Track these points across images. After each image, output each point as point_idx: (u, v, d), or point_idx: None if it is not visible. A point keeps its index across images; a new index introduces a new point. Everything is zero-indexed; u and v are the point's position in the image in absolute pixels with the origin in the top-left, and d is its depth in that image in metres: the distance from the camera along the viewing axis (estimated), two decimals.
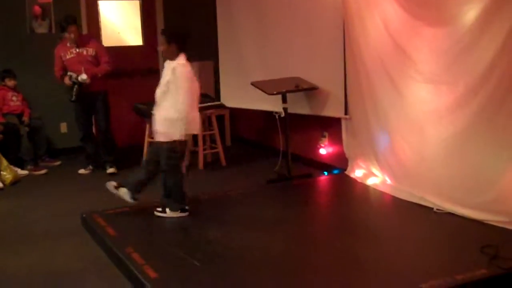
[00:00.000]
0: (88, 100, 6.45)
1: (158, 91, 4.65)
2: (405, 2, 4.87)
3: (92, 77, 6.33)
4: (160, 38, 4.84)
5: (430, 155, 4.83)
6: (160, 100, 4.64)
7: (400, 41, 5.01)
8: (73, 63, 6.40)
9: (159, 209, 4.80)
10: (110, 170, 6.61)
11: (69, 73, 6.33)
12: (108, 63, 6.51)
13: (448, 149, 4.63)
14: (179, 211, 4.79)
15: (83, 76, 6.24)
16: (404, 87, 5.03)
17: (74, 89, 6.26)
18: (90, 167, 6.71)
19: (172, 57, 4.63)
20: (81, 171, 6.67)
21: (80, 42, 6.46)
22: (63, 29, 6.42)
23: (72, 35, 6.36)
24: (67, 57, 6.44)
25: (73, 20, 6.49)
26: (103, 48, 6.67)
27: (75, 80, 6.26)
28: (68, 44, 6.46)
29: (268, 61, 6.53)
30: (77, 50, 6.44)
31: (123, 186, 4.87)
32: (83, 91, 6.31)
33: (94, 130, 6.88)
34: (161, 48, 4.76)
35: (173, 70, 4.54)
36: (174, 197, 4.80)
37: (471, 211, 4.44)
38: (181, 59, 4.61)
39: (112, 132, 6.76)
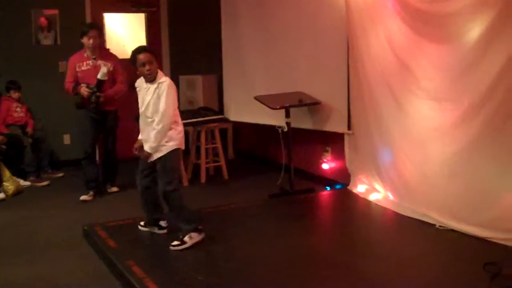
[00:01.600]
0: (99, 117, 6.06)
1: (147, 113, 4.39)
2: (410, 18, 4.89)
3: (108, 98, 5.98)
4: (147, 56, 4.30)
5: (433, 171, 4.82)
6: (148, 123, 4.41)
7: (403, 58, 5.02)
8: (88, 75, 5.96)
9: (176, 242, 4.39)
10: (113, 189, 6.37)
11: (84, 85, 5.89)
12: (123, 83, 6.05)
13: (451, 166, 4.62)
14: (197, 232, 4.45)
15: (104, 70, 5.75)
16: (407, 104, 5.03)
17: (93, 98, 5.83)
18: (92, 192, 6.16)
19: (156, 75, 4.35)
20: (83, 197, 6.08)
21: (99, 53, 6.08)
22: (83, 34, 5.98)
23: (91, 41, 5.92)
24: (83, 68, 6.00)
25: (96, 25, 6.31)
26: (121, 66, 6.12)
27: (93, 88, 5.83)
28: (85, 54, 6.03)
29: (272, 76, 6.55)
30: (95, 62, 6.01)
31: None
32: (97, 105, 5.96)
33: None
34: (149, 67, 4.29)
35: (160, 87, 4.31)
36: (184, 217, 4.47)
37: (474, 228, 4.42)
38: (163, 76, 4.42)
39: (117, 153, 6.37)
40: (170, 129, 4.34)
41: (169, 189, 4.35)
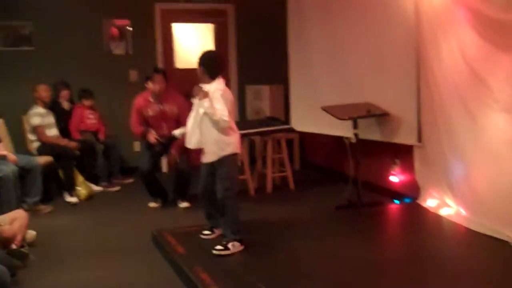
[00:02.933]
0: (164, 142, 6.09)
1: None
2: (482, 28, 4.76)
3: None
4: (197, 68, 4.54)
5: (506, 186, 4.65)
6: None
7: (476, 68, 4.89)
8: (156, 121, 6.10)
9: (220, 247, 4.44)
10: (183, 204, 6.14)
11: (153, 132, 6.04)
12: None
13: None
14: (239, 243, 4.48)
15: (182, 131, 5.51)
16: (480, 116, 4.89)
17: (158, 147, 6.04)
18: (160, 200, 6.24)
19: (202, 81, 4.47)
20: (152, 204, 6.18)
21: (164, 97, 6.08)
22: (148, 78, 6.09)
23: (157, 86, 5.99)
24: (150, 113, 6.08)
25: (161, 69, 6.33)
26: (185, 105, 5.80)
27: (163, 141, 6.02)
28: (150, 99, 6.08)
29: (339, 86, 6.50)
30: (160, 107, 6.08)
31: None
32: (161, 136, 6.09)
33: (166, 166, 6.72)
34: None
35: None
36: (233, 226, 4.50)
37: None
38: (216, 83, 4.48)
39: (191, 171, 6.02)
40: (227, 135, 4.41)
41: (226, 195, 4.44)
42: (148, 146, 6.12)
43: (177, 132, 5.89)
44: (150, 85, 6.05)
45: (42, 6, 7.51)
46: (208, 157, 4.56)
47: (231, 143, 4.47)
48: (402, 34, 5.65)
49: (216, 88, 4.42)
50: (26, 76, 7.25)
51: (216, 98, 4.36)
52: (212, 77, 4.45)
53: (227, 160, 4.46)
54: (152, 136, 6.00)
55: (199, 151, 4.69)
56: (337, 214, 5.72)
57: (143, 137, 6.11)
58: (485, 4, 4.68)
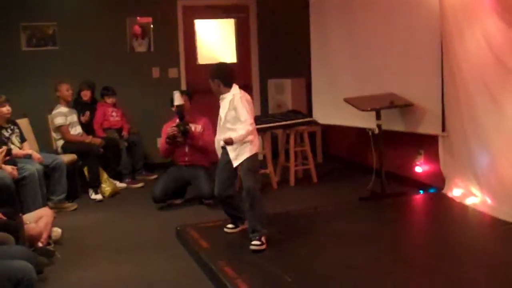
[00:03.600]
0: (185, 171, 6.08)
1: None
2: (508, 15, 4.68)
3: (200, 146, 5.97)
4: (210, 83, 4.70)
5: None
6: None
7: (501, 56, 4.82)
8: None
9: (257, 242, 4.41)
10: (207, 201, 6.02)
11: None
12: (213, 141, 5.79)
13: None
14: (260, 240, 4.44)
15: (177, 94, 5.71)
16: (506, 104, 4.83)
17: (181, 128, 5.85)
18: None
19: (219, 92, 4.60)
20: (175, 200, 6.20)
21: (189, 117, 6.04)
22: (172, 103, 5.92)
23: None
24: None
25: (185, 91, 6.36)
26: (209, 124, 6.09)
27: (178, 124, 5.87)
28: (177, 120, 5.97)
29: (362, 77, 6.45)
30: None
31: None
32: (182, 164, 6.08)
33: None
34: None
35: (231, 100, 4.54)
36: (261, 219, 4.51)
37: None
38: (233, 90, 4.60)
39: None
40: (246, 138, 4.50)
41: (254, 187, 4.47)
42: (169, 172, 6.16)
43: (175, 101, 5.74)
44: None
45: (65, 6, 7.58)
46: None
47: (249, 145, 4.52)
48: (426, 23, 5.59)
49: (234, 94, 4.55)
50: (51, 75, 7.31)
51: (239, 107, 4.48)
52: (228, 86, 4.58)
53: (247, 161, 4.50)
54: (170, 130, 5.88)
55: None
56: (361, 205, 5.68)
57: (169, 144, 5.97)
58: None
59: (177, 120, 5.90)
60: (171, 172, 6.17)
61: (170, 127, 5.92)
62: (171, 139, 5.91)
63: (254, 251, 4.37)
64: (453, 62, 5.33)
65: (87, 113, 7.06)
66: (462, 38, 5.19)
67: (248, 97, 4.63)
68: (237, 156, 4.52)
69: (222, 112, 4.60)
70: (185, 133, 5.88)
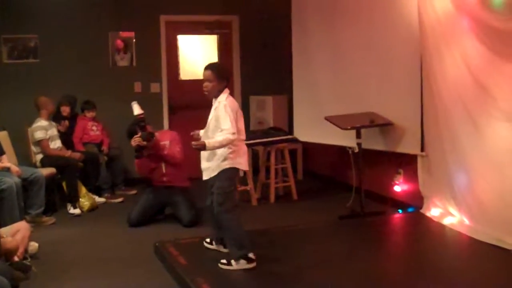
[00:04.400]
0: (164, 195, 6.01)
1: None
2: (486, 37, 4.75)
3: (168, 157, 5.90)
4: (205, 74, 4.34)
5: (510, 195, 4.63)
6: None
7: (480, 77, 4.88)
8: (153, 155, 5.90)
9: (224, 261, 4.38)
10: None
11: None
12: (180, 153, 5.98)
13: None
14: (246, 260, 4.32)
15: (134, 106, 5.42)
16: (484, 125, 4.87)
17: (144, 136, 5.60)
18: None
19: (216, 94, 4.36)
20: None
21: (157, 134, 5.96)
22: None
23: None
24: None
25: None
26: (177, 137, 6.11)
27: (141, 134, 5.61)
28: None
29: (343, 96, 6.50)
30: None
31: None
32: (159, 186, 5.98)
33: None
34: (206, 84, 4.33)
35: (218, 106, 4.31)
36: (235, 241, 4.35)
37: None
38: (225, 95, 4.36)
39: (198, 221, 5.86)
40: (227, 148, 4.25)
41: (220, 210, 4.32)
42: (145, 196, 6.06)
43: (134, 112, 5.42)
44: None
45: (48, 19, 7.56)
46: (205, 175, 4.46)
47: (227, 161, 4.30)
48: (406, 44, 5.66)
49: (219, 101, 4.30)
50: (31, 88, 7.28)
51: (221, 115, 4.22)
52: (221, 83, 4.33)
53: (222, 174, 4.32)
54: (133, 141, 5.62)
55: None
56: (341, 224, 5.71)
57: (138, 156, 5.77)
58: (488, 13, 4.68)
59: (139, 132, 5.60)
60: (149, 196, 6.06)
61: (132, 140, 5.64)
62: (138, 151, 5.69)
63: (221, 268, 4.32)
64: (432, 82, 5.40)
65: (66, 121, 7.02)
66: (441, 59, 5.26)
67: (235, 104, 4.35)
68: (209, 169, 4.35)
69: (209, 119, 4.40)
70: (150, 137, 5.62)
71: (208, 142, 4.16)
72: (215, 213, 4.39)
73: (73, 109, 7.25)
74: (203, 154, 4.42)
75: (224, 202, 4.31)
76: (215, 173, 4.33)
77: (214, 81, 4.32)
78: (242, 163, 4.39)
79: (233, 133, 4.17)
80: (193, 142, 4.21)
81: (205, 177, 4.45)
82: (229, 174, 4.32)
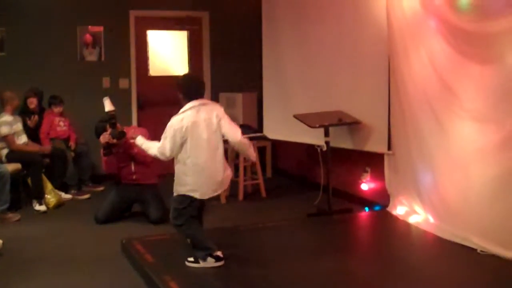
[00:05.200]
0: (132, 192, 5.96)
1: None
2: (452, 38, 4.83)
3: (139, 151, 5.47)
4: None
5: (474, 194, 4.71)
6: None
7: (446, 78, 4.95)
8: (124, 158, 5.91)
9: (191, 259, 4.39)
10: None
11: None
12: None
13: (493, 189, 4.52)
14: (213, 258, 4.34)
15: (106, 102, 5.24)
16: (449, 125, 4.95)
17: (113, 133, 5.45)
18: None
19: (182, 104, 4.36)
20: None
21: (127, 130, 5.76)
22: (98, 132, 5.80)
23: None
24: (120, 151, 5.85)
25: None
26: (147, 134, 5.49)
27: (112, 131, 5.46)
28: None
29: (312, 94, 6.54)
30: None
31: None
32: (128, 183, 5.93)
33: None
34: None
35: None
36: (196, 245, 4.39)
37: None
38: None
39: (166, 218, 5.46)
40: (183, 173, 4.26)
41: (175, 223, 4.36)
42: (113, 194, 6.01)
43: (106, 108, 5.27)
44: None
45: (15, 11, 7.42)
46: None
47: (183, 183, 4.28)
48: (374, 43, 5.71)
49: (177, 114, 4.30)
50: None
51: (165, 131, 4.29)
52: (186, 100, 4.31)
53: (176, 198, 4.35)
54: (102, 138, 5.60)
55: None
56: (309, 221, 5.74)
57: (105, 153, 5.72)
58: (455, 14, 4.75)
59: (109, 129, 5.51)
60: (117, 193, 6.01)
61: (101, 136, 5.60)
62: (107, 148, 5.63)
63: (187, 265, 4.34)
64: (399, 81, 5.46)
65: (35, 116, 6.92)
66: (408, 58, 5.33)
67: (186, 123, 4.21)
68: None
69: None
70: (121, 136, 5.44)
71: (140, 138, 4.47)
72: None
73: (40, 102, 7.14)
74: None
75: (177, 217, 4.32)
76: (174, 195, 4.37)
77: (178, 93, 4.37)
78: (200, 191, 4.30)
79: (161, 151, 4.28)
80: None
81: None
82: (183, 200, 4.31)
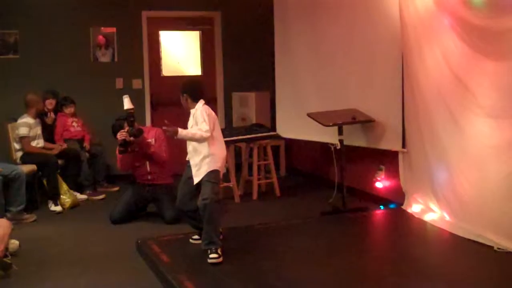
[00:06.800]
0: (147, 192, 6.01)
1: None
2: (466, 35, 4.79)
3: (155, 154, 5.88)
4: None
5: (490, 191, 4.67)
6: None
7: (460, 75, 4.92)
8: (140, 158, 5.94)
9: (214, 255, 4.41)
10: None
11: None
12: (164, 152, 5.98)
13: (509, 186, 4.47)
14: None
15: (125, 100, 5.27)
16: (464, 121, 4.92)
17: (130, 130, 5.52)
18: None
19: (187, 107, 4.68)
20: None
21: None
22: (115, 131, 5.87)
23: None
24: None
25: None
26: (161, 134, 5.86)
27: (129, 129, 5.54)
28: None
29: (325, 93, 6.52)
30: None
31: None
32: (144, 184, 5.98)
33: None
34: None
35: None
36: (217, 232, 4.55)
37: None
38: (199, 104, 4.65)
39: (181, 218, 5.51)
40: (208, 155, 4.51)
41: (212, 198, 4.44)
42: (129, 193, 6.04)
43: (124, 106, 5.29)
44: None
45: (28, 14, 7.48)
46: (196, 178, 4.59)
47: (209, 161, 4.53)
48: (387, 41, 5.69)
49: (197, 108, 4.61)
50: (11, 84, 7.23)
51: (199, 119, 4.53)
52: (195, 101, 4.63)
53: (207, 175, 4.52)
54: (119, 135, 5.61)
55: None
56: (323, 220, 5.73)
57: (121, 151, 5.71)
58: (469, 11, 4.71)
59: (127, 127, 5.57)
60: (132, 193, 6.04)
61: (119, 133, 5.62)
62: (123, 146, 5.64)
63: (213, 264, 4.35)
64: (413, 79, 5.44)
65: (52, 114, 6.98)
66: (422, 55, 5.30)
67: (211, 111, 4.62)
68: (197, 172, 4.54)
69: (188, 126, 4.63)
70: (138, 133, 5.53)
71: (181, 130, 4.46)
72: (200, 206, 4.47)
73: (57, 103, 7.20)
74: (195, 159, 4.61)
75: (211, 194, 4.46)
76: (199, 178, 4.54)
77: (187, 101, 4.66)
78: (222, 166, 4.66)
79: (207, 131, 4.47)
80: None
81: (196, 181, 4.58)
82: (214, 172, 4.54)
